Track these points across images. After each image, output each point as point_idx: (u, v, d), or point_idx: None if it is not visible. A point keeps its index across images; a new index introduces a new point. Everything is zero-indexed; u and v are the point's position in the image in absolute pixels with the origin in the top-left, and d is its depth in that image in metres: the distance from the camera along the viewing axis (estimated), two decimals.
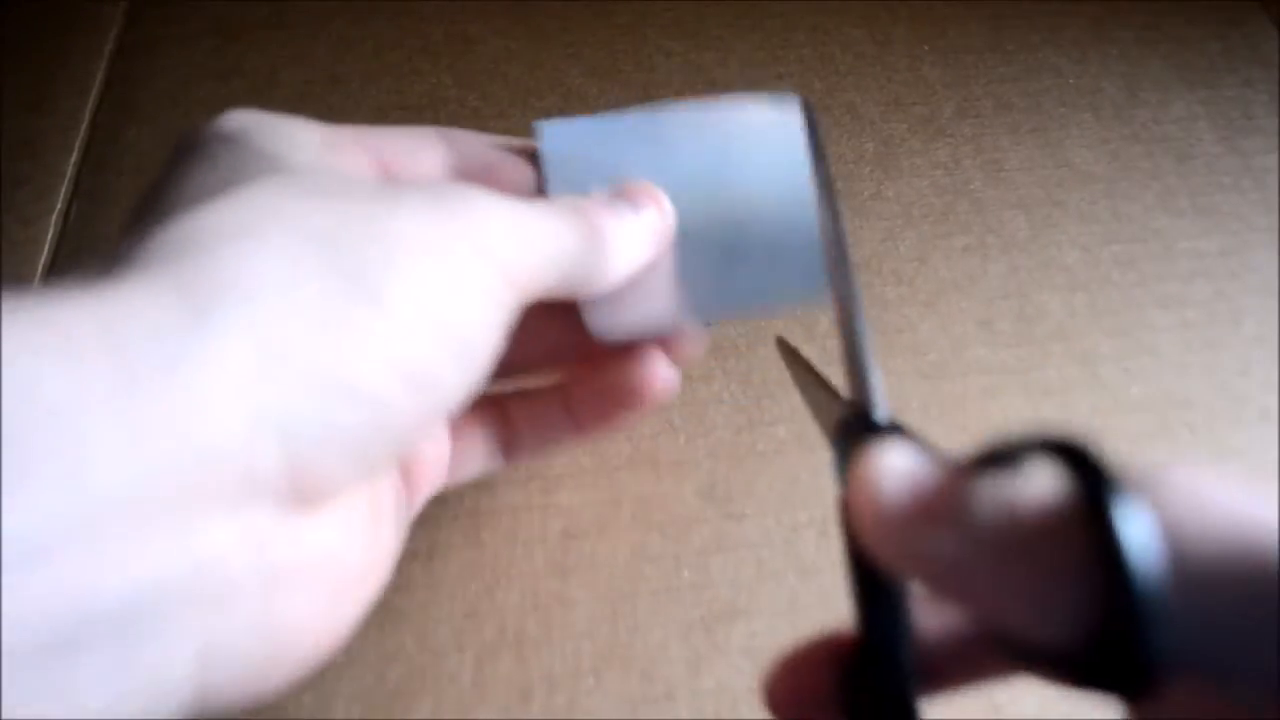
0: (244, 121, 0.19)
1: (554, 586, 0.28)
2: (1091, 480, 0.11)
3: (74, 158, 0.37)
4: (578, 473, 0.30)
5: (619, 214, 0.22)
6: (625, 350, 0.25)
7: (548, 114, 0.38)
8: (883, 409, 0.17)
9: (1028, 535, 0.12)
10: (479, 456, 0.25)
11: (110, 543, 0.12)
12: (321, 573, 0.16)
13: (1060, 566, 0.12)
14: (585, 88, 0.39)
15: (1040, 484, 0.12)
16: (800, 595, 0.28)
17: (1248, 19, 0.42)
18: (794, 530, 0.29)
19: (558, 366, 0.26)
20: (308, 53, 0.41)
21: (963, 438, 0.31)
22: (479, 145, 0.24)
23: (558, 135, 0.24)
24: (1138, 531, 0.10)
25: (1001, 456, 0.13)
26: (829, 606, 0.27)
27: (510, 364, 0.22)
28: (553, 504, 0.29)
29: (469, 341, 0.17)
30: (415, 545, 0.28)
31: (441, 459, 0.24)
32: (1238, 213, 0.36)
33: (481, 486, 0.29)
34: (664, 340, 0.25)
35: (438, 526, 0.29)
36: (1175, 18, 0.42)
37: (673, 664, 0.26)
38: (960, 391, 0.32)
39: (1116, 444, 0.31)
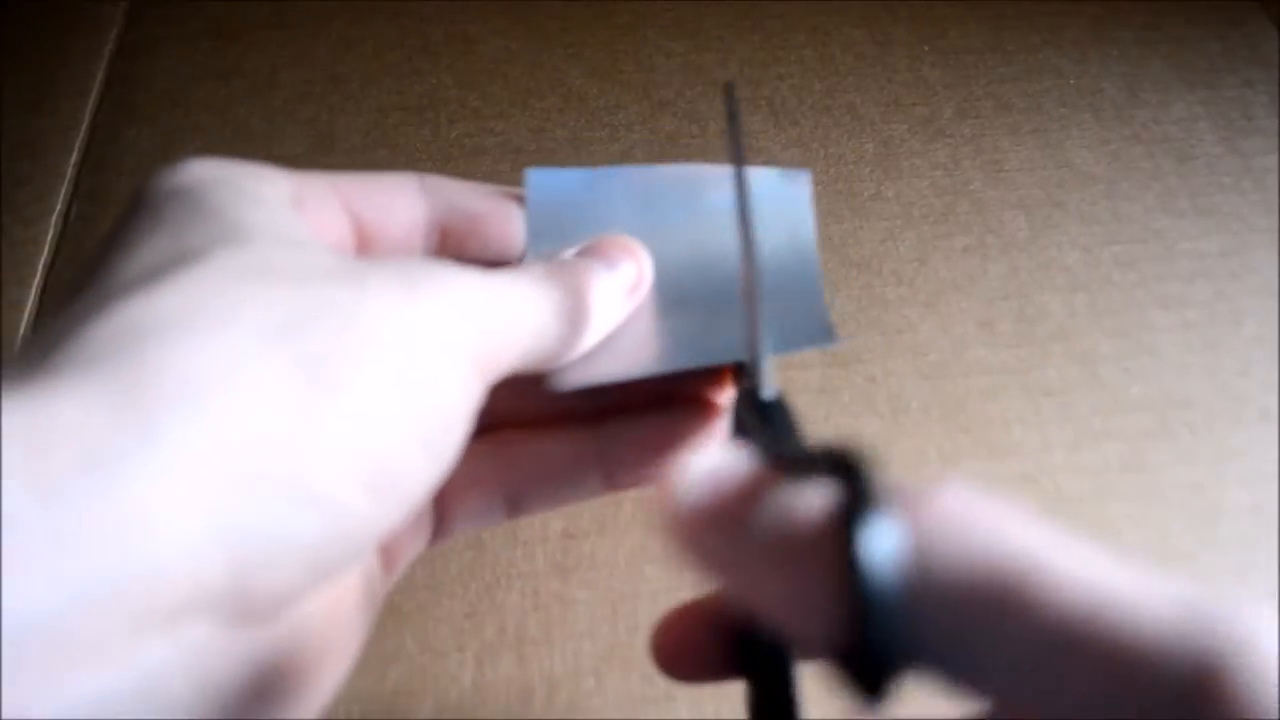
0: (204, 175, 0.18)
1: (554, 587, 0.28)
2: (853, 494, 0.12)
3: (74, 158, 0.37)
4: None
5: (594, 277, 0.21)
6: (672, 398, 0.23)
7: (548, 114, 0.38)
8: (769, 389, 0.18)
9: (797, 544, 0.13)
10: (475, 511, 0.23)
11: (35, 671, 0.12)
12: (272, 677, 0.15)
13: (820, 575, 0.12)
14: (585, 88, 0.39)
15: (819, 496, 0.13)
16: None
17: (1248, 19, 0.42)
18: None
19: (593, 417, 0.24)
20: (308, 53, 0.41)
21: (963, 438, 0.31)
22: (463, 193, 0.23)
23: (545, 184, 0.23)
24: (882, 545, 0.11)
25: (800, 466, 0.13)
26: None
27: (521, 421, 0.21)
28: None
29: (435, 435, 0.16)
30: None
31: (420, 528, 0.22)
32: (1238, 213, 0.36)
33: None
34: (694, 386, 0.24)
35: None
36: (1175, 18, 0.42)
37: None
38: (961, 392, 0.32)
39: (1117, 444, 0.31)
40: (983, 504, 0.12)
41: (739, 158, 0.22)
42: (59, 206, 0.36)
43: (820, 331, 0.23)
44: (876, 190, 0.36)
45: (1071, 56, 0.41)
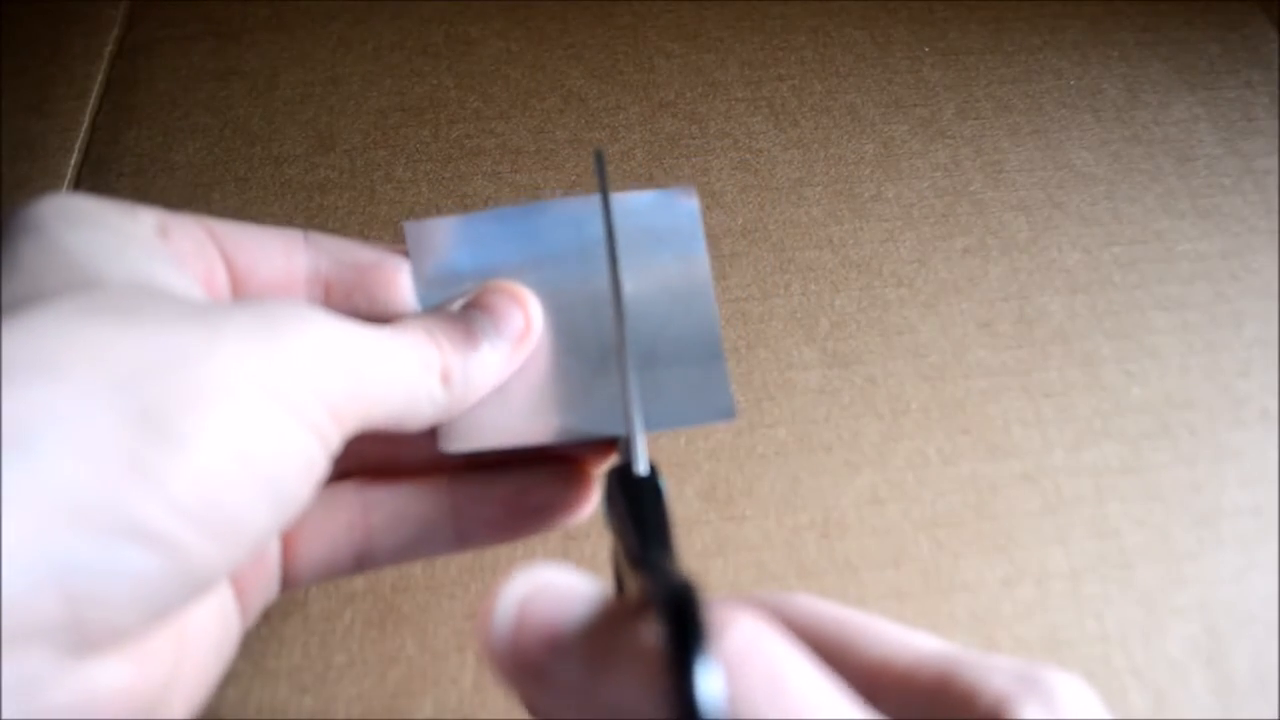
0: (63, 211, 0.17)
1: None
2: (677, 637, 0.12)
3: (74, 159, 0.37)
4: None
5: (476, 333, 0.20)
6: (547, 458, 0.22)
7: (548, 115, 0.38)
8: (643, 464, 0.19)
9: (613, 696, 0.13)
10: (320, 562, 0.22)
11: None
12: (112, 710, 0.15)
13: None
14: (586, 89, 0.39)
15: (649, 636, 0.13)
16: None
17: (1248, 21, 0.42)
18: (794, 532, 0.29)
19: (444, 472, 0.23)
20: (308, 54, 0.41)
21: (963, 439, 0.31)
22: (348, 249, 0.22)
23: (425, 235, 0.23)
24: (705, 689, 0.12)
25: (644, 572, 0.14)
26: None
27: (384, 469, 0.21)
28: None
29: (282, 480, 0.16)
30: None
31: (269, 573, 0.21)
32: (1238, 215, 0.36)
33: None
34: (581, 451, 0.23)
35: None
36: (1175, 20, 0.42)
37: None
38: (961, 393, 0.32)
39: (1117, 445, 0.31)
40: (765, 643, 0.13)
41: (611, 235, 0.21)
42: None
43: (719, 401, 0.22)
44: (877, 191, 0.36)
45: (1072, 58, 0.41)
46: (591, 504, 0.23)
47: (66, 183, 0.36)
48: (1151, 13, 0.42)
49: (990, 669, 0.14)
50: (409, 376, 0.19)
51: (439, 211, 0.36)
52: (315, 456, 0.17)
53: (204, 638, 0.19)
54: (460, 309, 0.21)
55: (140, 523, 0.14)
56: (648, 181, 0.36)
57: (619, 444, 0.20)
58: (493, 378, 0.21)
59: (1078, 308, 0.33)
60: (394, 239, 0.35)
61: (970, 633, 0.27)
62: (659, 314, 0.22)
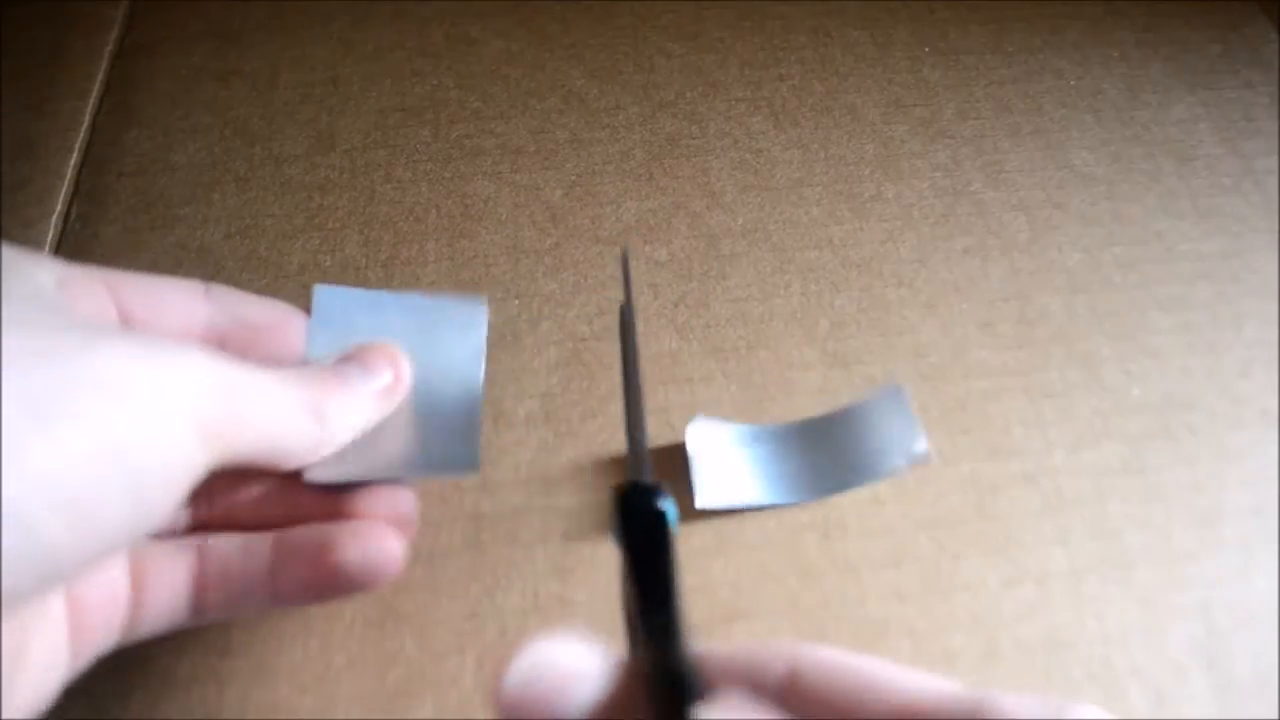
0: None
1: (555, 589, 0.28)
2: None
3: (74, 159, 0.37)
4: (578, 474, 0.30)
5: (348, 380, 0.23)
6: (351, 523, 0.23)
7: (548, 115, 0.38)
8: (648, 477, 0.20)
9: None
10: (163, 609, 0.22)
11: None
12: None
13: None
14: (586, 89, 0.39)
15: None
16: (801, 597, 0.28)
17: (1248, 21, 0.42)
18: (795, 532, 0.29)
19: (267, 523, 0.24)
20: (308, 54, 0.41)
21: (964, 439, 0.31)
22: (248, 305, 0.24)
23: (332, 300, 0.27)
24: None
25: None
26: (830, 608, 0.27)
27: (214, 516, 0.22)
28: (553, 506, 0.29)
29: (143, 483, 0.17)
30: (416, 547, 0.28)
31: (114, 607, 0.22)
32: (1239, 215, 0.36)
33: (481, 489, 0.29)
34: (391, 510, 0.24)
35: (438, 529, 0.29)
36: (1175, 20, 0.42)
37: None
38: (961, 394, 0.32)
39: (1118, 446, 0.31)
40: None
41: (629, 304, 0.26)
42: (59, 207, 0.36)
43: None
44: (877, 191, 0.36)
45: (1072, 58, 0.41)
46: (396, 568, 0.23)
47: (66, 183, 0.36)
48: (1151, 13, 0.42)
49: (1018, 706, 0.14)
50: (284, 412, 0.21)
51: (439, 211, 0.36)
52: (178, 469, 0.18)
53: (40, 660, 0.19)
54: (337, 361, 0.24)
55: (2, 499, 0.15)
56: (648, 181, 0.36)
57: (626, 461, 0.22)
58: (360, 420, 0.23)
59: (1078, 308, 0.33)
60: (395, 240, 0.35)
61: (970, 633, 0.27)
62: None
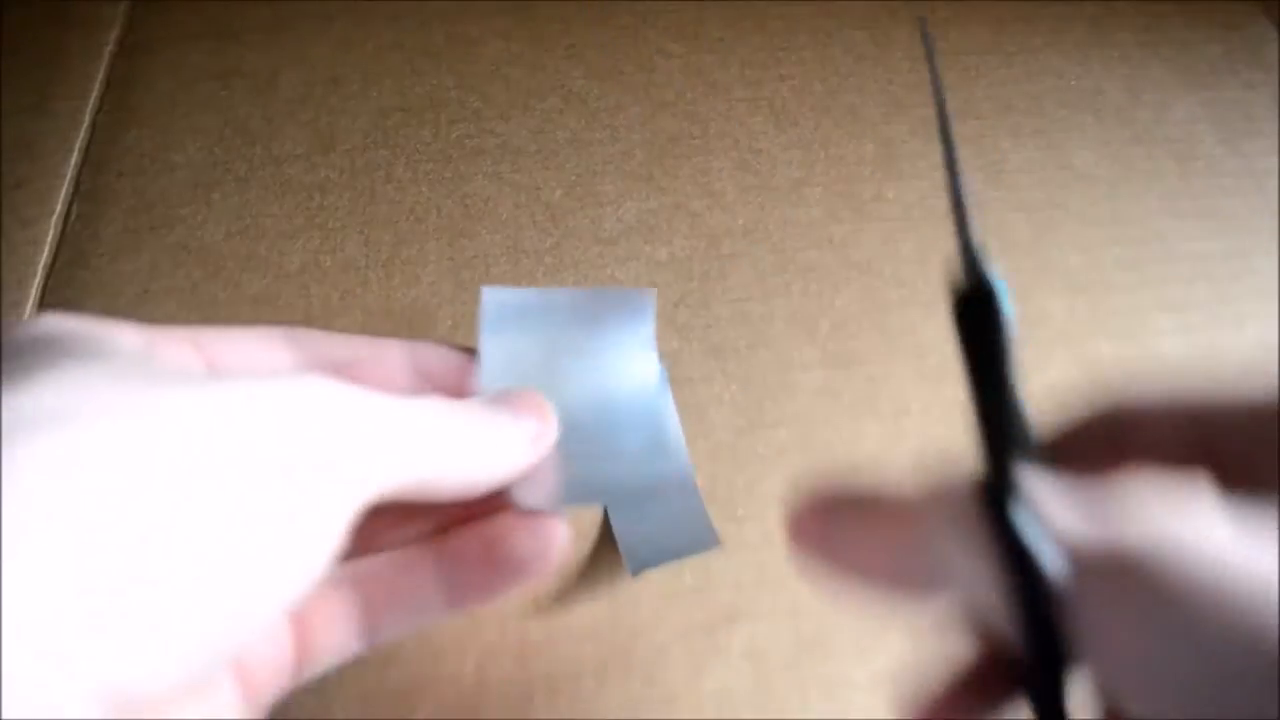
0: (57, 326, 0.18)
1: (555, 589, 0.28)
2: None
3: (74, 159, 0.37)
4: None
5: (498, 425, 0.22)
6: (513, 514, 0.23)
7: (548, 115, 0.38)
8: (990, 269, 0.18)
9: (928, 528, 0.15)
10: (334, 647, 0.22)
11: None
12: None
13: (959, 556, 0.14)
14: (586, 89, 0.39)
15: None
16: (801, 598, 0.28)
17: (1248, 22, 0.42)
18: None
19: (427, 540, 0.23)
20: (308, 54, 0.41)
21: (965, 440, 0.31)
22: (333, 345, 0.23)
23: (497, 300, 0.26)
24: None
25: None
26: (831, 609, 0.27)
27: (373, 546, 0.21)
28: None
29: (296, 556, 0.16)
30: None
31: (282, 659, 0.21)
32: (1239, 215, 0.36)
33: None
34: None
35: None
36: (1176, 20, 0.42)
37: (674, 667, 0.26)
38: (962, 394, 0.31)
39: None
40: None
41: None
42: (59, 207, 0.36)
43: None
44: (877, 191, 0.36)
45: (1073, 58, 0.41)
46: (560, 549, 0.23)
47: (66, 182, 0.36)
48: (1152, 13, 0.42)
49: None
50: (435, 446, 0.20)
51: (439, 211, 0.36)
52: (332, 529, 0.17)
53: None
54: (486, 401, 0.23)
55: (156, 581, 0.14)
56: (648, 181, 0.36)
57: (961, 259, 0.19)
58: (513, 465, 0.22)
59: (1079, 308, 0.33)
60: (396, 240, 0.35)
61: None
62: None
